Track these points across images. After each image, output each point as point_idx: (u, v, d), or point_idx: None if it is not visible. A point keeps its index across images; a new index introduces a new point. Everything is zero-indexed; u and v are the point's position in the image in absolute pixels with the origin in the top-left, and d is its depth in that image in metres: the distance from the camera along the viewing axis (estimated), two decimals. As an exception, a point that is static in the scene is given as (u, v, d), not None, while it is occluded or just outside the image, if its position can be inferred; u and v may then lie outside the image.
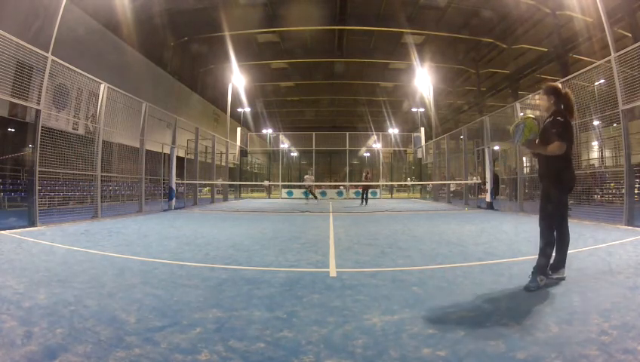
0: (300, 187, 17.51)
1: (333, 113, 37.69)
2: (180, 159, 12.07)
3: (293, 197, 20.08)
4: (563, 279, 2.68)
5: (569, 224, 2.80)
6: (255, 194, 24.63)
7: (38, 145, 6.08)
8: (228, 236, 5.29)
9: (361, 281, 2.76)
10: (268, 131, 30.77)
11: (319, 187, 21.08)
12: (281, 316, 2.03)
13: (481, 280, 2.78)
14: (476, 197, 13.86)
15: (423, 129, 22.19)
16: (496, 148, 14.41)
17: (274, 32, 20.91)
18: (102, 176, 7.85)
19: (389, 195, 22.34)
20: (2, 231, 5.21)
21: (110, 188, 11.47)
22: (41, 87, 6.16)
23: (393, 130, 30.01)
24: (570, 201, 6.84)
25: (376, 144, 22.52)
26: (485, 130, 11.26)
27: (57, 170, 6.74)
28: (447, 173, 15.29)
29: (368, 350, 1.60)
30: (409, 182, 22.43)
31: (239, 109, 27.58)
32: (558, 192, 2.67)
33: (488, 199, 10.80)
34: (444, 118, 32.46)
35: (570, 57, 17.53)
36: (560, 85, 2.84)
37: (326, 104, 34.56)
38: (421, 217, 8.64)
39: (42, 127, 6.17)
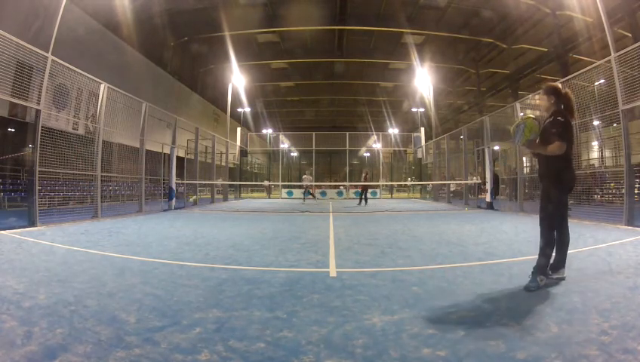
0: (300, 187, 17.50)
1: (333, 113, 37.69)
2: (180, 159, 12.07)
3: (293, 197, 20.08)
4: (563, 279, 2.68)
5: (569, 224, 2.80)
6: (255, 194, 24.63)
7: (38, 145, 6.08)
8: (228, 236, 5.29)
9: (361, 281, 2.76)
10: (268, 131, 30.78)
11: (319, 187, 21.08)
12: (281, 316, 2.03)
13: (481, 280, 2.78)
14: (476, 197, 13.86)
15: (423, 129, 22.19)
16: (496, 148, 14.41)
17: (274, 32, 20.91)
18: (102, 176, 7.85)
19: (389, 195, 22.35)
20: (2, 231, 5.21)
21: (110, 188, 11.47)
22: (41, 87, 6.16)
23: (393, 130, 30.01)
24: (570, 201, 6.84)
25: (376, 144, 22.52)
26: (485, 130, 11.26)
27: (57, 170, 6.74)
28: (447, 173, 15.29)
29: (368, 350, 1.61)
30: (409, 182, 22.42)
31: (239, 109, 27.58)
32: (558, 192, 2.67)
33: (488, 199, 10.80)
34: (444, 118, 32.46)
35: (570, 57, 17.52)
36: (560, 85, 2.84)
37: (326, 104, 34.56)
38: (421, 217, 8.64)
39: (42, 127, 6.18)
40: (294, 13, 18.46)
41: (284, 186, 21.47)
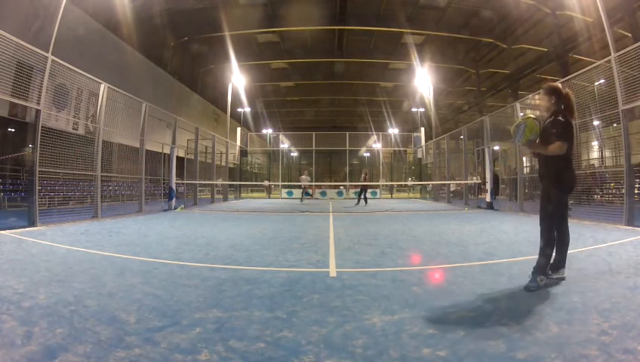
0: (299, 187, 17.51)
1: (333, 113, 37.69)
2: (180, 159, 12.07)
3: (293, 197, 20.08)
4: (563, 279, 2.69)
5: (569, 224, 2.80)
6: (255, 194, 24.63)
7: (38, 145, 6.08)
8: (228, 236, 5.29)
9: (361, 281, 2.76)
10: (268, 131, 30.78)
11: (319, 187, 21.08)
12: (281, 316, 2.03)
13: (481, 280, 2.78)
14: (476, 197, 13.86)
15: (423, 129, 22.19)
16: (496, 148, 14.41)
17: (274, 32, 20.91)
18: (102, 176, 7.85)
19: (389, 195, 22.35)
20: (2, 231, 5.21)
21: (110, 188, 11.47)
22: (41, 87, 6.16)
23: (393, 130, 30.01)
24: (570, 201, 6.84)
25: (376, 144, 22.52)
26: (485, 130, 11.26)
27: (57, 170, 6.74)
28: (447, 173, 15.29)
29: (368, 350, 1.61)
30: (410, 182, 22.43)
31: (239, 109, 27.57)
32: (558, 192, 2.67)
33: (488, 199, 10.80)
34: (444, 118, 32.46)
35: (570, 57, 17.53)
36: (560, 85, 2.84)
37: (326, 104, 34.57)
38: (421, 217, 8.64)
39: (42, 127, 6.18)
40: (294, 13, 18.46)
41: (284, 186, 21.47)
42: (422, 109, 27.04)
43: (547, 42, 18.66)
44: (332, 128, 34.10)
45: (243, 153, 21.56)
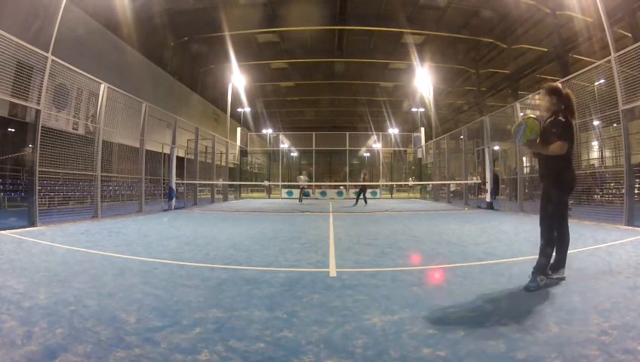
0: (298, 187, 17.52)
1: (333, 113, 37.68)
2: (180, 159, 12.07)
3: (293, 197, 20.08)
4: (563, 279, 2.68)
5: (569, 224, 2.80)
6: (255, 194, 24.64)
7: (38, 145, 6.08)
8: (228, 236, 5.29)
9: (361, 281, 2.76)
10: (268, 131, 30.78)
11: (319, 187, 21.08)
12: (281, 316, 2.03)
13: (481, 280, 2.78)
14: (476, 197, 13.86)
15: (423, 129, 22.19)
16: (496, 148, 14.41)
17: (274, 32, 20.91)
18: (102, 176, 7.85)
19: (389, 195, 22.35)
20: (2, 231, 5.21)
21: (110, 188, 11.47)
22: (41, 87, 6.16)
23: (393, 130, 30.01)
24: (570, 201, 6.84)
25: (376, 144, 22.52)
26: (485, 130, 11.26)
27: (57, 170, 6.74)
28: (447, 173, 15.29)
29: (368, 350, 1.61)
30: (410, 182, 22.45)
31: (239, 109, 27.57)
32: (558, 192, 2.67)
33: (488, 199, 10.80)
34: (444, 118, 32.46)
35: (570, 57, 17.52)
36: (560, 85, 2.84)
37: (326, 104, 34.56)
38: (421, 217, 8.64)
39: (42, 127, 6.18)
40: (294, 13, 18.46)
41: (284, 186, 21.47)
42: (422, 109, 27.04)
43: (547, 42, 18.66)
44: (332, 128, 34.10)
45: (243, 153, 21.56)
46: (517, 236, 5.16)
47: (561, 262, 2.73)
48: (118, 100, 8.62)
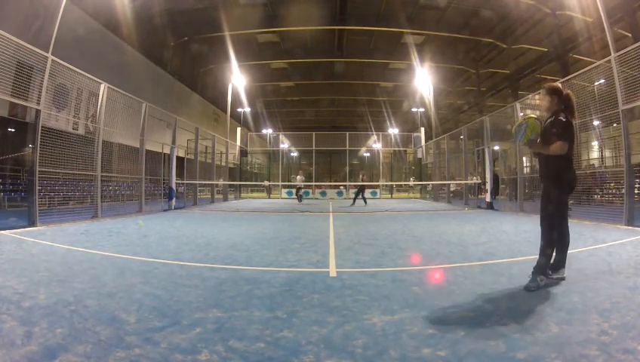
0: (293, 186, 17.52)
1: (333, 113, 37.69)
2: (180, 159, 12.07)
3: (293, 197, 20.08)
4: (563, 279, 2.69)
5: (569, 224, 2.80)
6: (255, 194, 24.64)
7: (38, 145, 6.08)
8: (228, 236, 5.29)
9: (361, 281, 2.76)
10: (268, 131, 30.79)
11: (319, 187, 21.08)
12: (281, 316, 2.03)
13: (481, 280, 2.78)
14: (476, 197, 13.86)
15: (423, 129, 22.20)
16: (496, 148, 14.41)
17: (274, 32, 20.91)
18: (102, 176, 7.85)
19: (389, 195, 22.35)
20: (2, 231, 5.21)
21: (110, 188, 11.47)
22: (41, 87, 6.16)
23: (393, 130, 30.02)
24: (571, 201, 6.84)
25: (376, 144, 22.53)
26: (485, 130, 11.26)
27: (57, 170, 6.74)
28: (447, 173, 15.29)
29: (368, 350, 1.61)
30: (411, 182, 22.45)
31: (239, 109, 27.58)
32: (558, 192, 2.66)
33: (488, 199, 10.80)
34: (444, 118, 32.47)
35: (570, 57, 17.53)
36: (561, 85, 2.84)
37: (326, 104, 34.57)
38: (421, 217, 8.64)
39: (42, 127, 6.18)
40: (294, 13, 18.46)
41: (284, 186, 21.48)
42: (422, 109, 27.05)
43: (547, 42, 18.67)
44: (332, 128, 34.11)
45: (243, 153, 21.56)
46: (517, 236, 5.16)
47: (561, 262, 2.73)
48: (118, 100, 8.63)
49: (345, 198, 20.03)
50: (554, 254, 2.68)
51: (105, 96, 8.01)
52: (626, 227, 5.74)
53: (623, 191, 6.14)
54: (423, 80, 21.37)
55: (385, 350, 1.60)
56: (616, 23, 13.72)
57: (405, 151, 24.32)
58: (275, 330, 1.83)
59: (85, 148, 7.65)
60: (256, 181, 24.85)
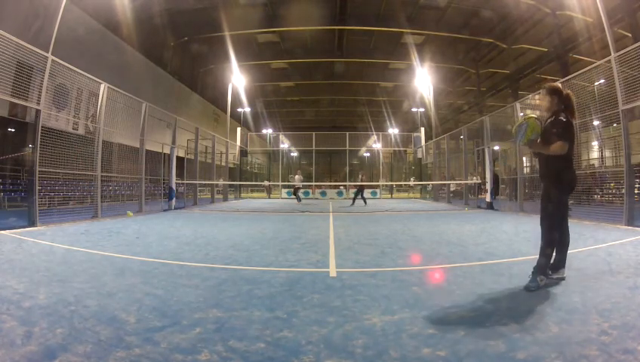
0: (292, 186, 17.52)
1: (333, 113, 37.69)
2: (180, 159, 12.07)
3: (292, 197, 20.07)
4: (563, 279, 2.68)
5: (569, 224, 2.80)
6: (255, 194, 24.64)
7: (38, 145, 6.08)
8: (228, 236, 5.29)
9: (361, 281, 2.76)
10: (268, 131, 30.79)
11: (319, 187, 21.08)
12: (281, 316, 2.03)
13: (481, 280, 2.78)
14: (476, 197, 13.86)
15: (423, 129, 22.20)
16: (496, 148, 14.41)
17: (274, 32, 20.91)
18: (102, 176, 7.85)
19: (389, 195, 22.35)
20: (2, 231, 5.21)
21: (110, 188, 11.47)
22: (41, 87, 6.16)
23: (393, 130, 30.02)
24: (571, 201, 6.84)
25: (376, 144, 22.53)
26: (485, 130, 11.26)
27: (57, 170, 6.74)
28: (447, 173, 15.29)
29: (368, 350, 1.60)
30: (411, 182, 22.44)
31: (239, 109, 27.58)
32: (558, 192, 2.66)
33: (488, 199, 10.80)
34: (444, 118, 32.47)
35: (570, 57, 17.53)
36: (561, 85, 2.84)
37: (326, 104, 34.56)
38: (421, 217, 8.64)
39: (42, 127, 6.18)
40: (294, 13, 18.46)
41: (284, 186, 21.48)
42: (422, 109, 27.05)
43: (547, 42, 18.66)
44: (332, 128, 34.10)
45: (243, 153, 21.56)
46: (517, 236, 5.16)
47: (561, 262, 2.73)
48: (118, 100, 8.63)
49: (345, 198, 20.03)
50: (554, 254, 2.68)
51: (105, 96, 8.00)
52: (626, 227, 5.74)
53: (623, 191, 6.13)
54: (423, 80, 21.37)
55: (385, 350, 1.60)
56: (616, 23, 13.72)
57: (405, 151, 24.32)
58: (275, 330, 1.83)
59: (85, 148, 7.65)
60: (256, 181, 24.85)
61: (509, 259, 3.58)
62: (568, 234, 2.76)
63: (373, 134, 23.09)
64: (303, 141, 21.51)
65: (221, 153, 16.83)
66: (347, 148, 20.44)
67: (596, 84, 6.94)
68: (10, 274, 2.87)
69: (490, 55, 22.65)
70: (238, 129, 21.69)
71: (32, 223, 5.95)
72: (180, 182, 11.95)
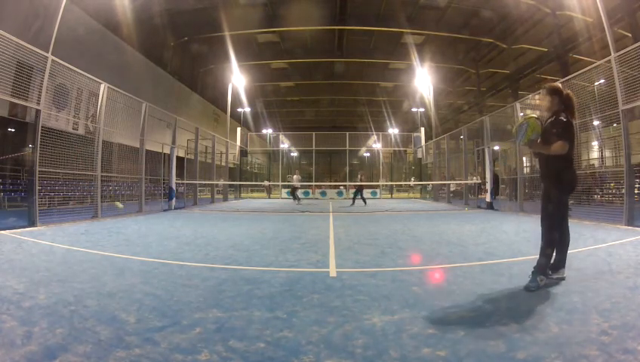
0: (290, 187, 17.51)
1: (333, 113, 37.69)
2: (180, 159, 12.08)
3: (290, 197, 20.07)
4: (563, 279, 2.69)
5: (569, 224, 2.80)
6: (255, 194, 24.64)
7: (38, 145, 6.08)
8: (228, 236, 5.29)
9: (361, 281, 2.76)
10: (268, 131, 30.79)
11: (319, 187, 21.07)
12: (281, 316, 2.03)
13: (481, 280, 2.78)
14: (476, 197, 13.86)
15: (423, 129, 22.20)
16: (496, 148, 14.41)
17: (274, 32, 20.91)
18: (102, 176, 7.85)
19: (389, 195, 22.35)
20: (2, 231, 5.21)
21: (110, 188, 11.47)
22: (41, 87, 6.16)
23: (393, 130, 30.02)
24: (571, 201, 6.84)
25: (376, 144, 22.52)
26: (485, 130, 11.26)
27: (57, 170, 6.74)
28: (447, 173, 15.29)
29: (368, 350, 1.60)
30: (412, 182, 22.43)
31: (239, 109, 27.58)
32: (558, 192, 2.66)
33: (488, 199, 10.80)
34: (444, 118, 32.47)
35: (570, 57, 17.53)
36: (561, 85, 2.84)
37: (326, 104, 34.57)
38: (421, 217, 8.64)
39: (42, 127, 6.18)
40: (294, 13, 18.46)
41: (284, 186, 21.47)
42: (422, 109, 27.05)
43: (547, 42, 18.66)
44: (332, 128, 34.11)
45: (243, 153, 21.56)
46: (517, 236, 5.16)
47: (561, 262, 2.73)
48: (118, 100, 8.63)
49: (345, 198, 20.03)
50: (554, 254, 2.69)
51: (105, 96, 8.01)
52: (626, 227, 5.74)
53: (623, 191, 6.13)
54: (423, 80, 21.37)
55: (385, 350, 1.60)
56: (616, 23, 13.72)
57: (405, 151, 24.32)
58: (275, 330, 1.83)
59: (85, 148, 7.65)
60: (256, 181, 24.85)
61: (509, 259, 3.58)
62: (568, 234, 2.76)
63: (373, 134, 23.10)
64: (303, 141, 21.51)
65: (221, 153, 16.83)
66: (347, 148, 20.44)
67: (596, 84, 6.94)
68: (10, 274, 2.87)
69: (490, 55, 22.66)
70: (238, 129, 21.69)
71: (32, 223, 5.95)
72: (180, 182, 11.95)
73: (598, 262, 3.27)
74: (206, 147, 15.63)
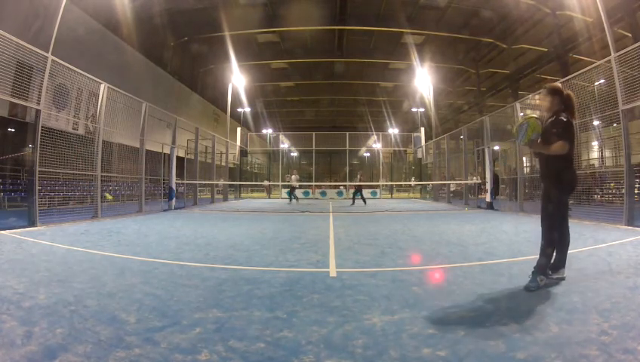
0: (288, 187, 17.51)
1: (333, 113, 37.69)
2: (180, 159, 12.07)
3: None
4: (563, 279, 2.69)
5: (569, 224, 2.80)
6: (255, 194, 24.64)
7: (38, 145, 6.08)
8: (228, 236, 5.29)
9: (361, 281, 2.76)
10: (268, 131, 30.79)
11: (319, 187, 21.07)
12: (281, 316, 2.03)
13: (481, 280, 2.78)
14: (476, 197, 13.86)
15: (423, 129, 22.20)
16: (496, 148, 14.41)
17: (274, 32, 20.91)
18: (102, 176, 7.85)
19: (389, 195, 22.35)
20: (2, 231, 5.21)
21: (110, 188, 11.47)
22: (41, 87, 6.16)
23: (393, 130, 30.02)
24: (571, 201, 6.83)
25: (376, 144, 22.53)
26: (485, 130, 11.25)
27: (57, 170, 6.74)
28: (447, 173, 15.29)
29: (368, 350, 1.61)
30: (412, 183, 22.42)
31: (239, 109, 27.58)
32: (558, 192, 2.66)
33: (488, 199, 10.80)
34: (444, 118, 32.47)
35: (570, 57, 17.53)
36: (561, 85, 2.84)
37: (326, 104, 34.57)
38: (421, 217, 8.64)
39: (42, 127, 6.18)
40: (294, 13, 18.46)
41: (284, 186, 21.46)
42: (422, 109, 27.05)
43: (547, 42, 18.66)
44: (332, 128, 34.11)
45: (243, 153, 21.56)
46: (517, 236, 5.15)
47: (561, 262, 2.73)
48: (118, 100, 8.62)
49: (345, 198, 20.04)
50: (554, 254, 2.69)
51: (105, 96, 8.00)
52: (626, 227, 5.74)
53: (623, 191, 6.13)
54: (423, 80, 21.37)
55: (385, 350, 1.60)
56: (616, 23, 13.72)
57: (405, 151, 24.32)
58: (275, 330, 1.83)
59: (85, 148, 7.65)
60: (256, 181, 24.85)
61: (509, 259, 3.58)
62: (568, 234, 2.76)
63: (373, 134, 23.10)
64: (303, 141, 21.52)
65: (221, 153, 16.83)
66: (347, 148, 20.44)
67: (596, 84, 6.94)
68: (10, 274, 2.87)
69: (490, 55, 22.66)
70: (238, 129, 21.69)
71: (32, 223, 5.95)
72: (180, 182, 11.95)
73: (598, 262, 3.27)
74: (206, 147, 15.63)
